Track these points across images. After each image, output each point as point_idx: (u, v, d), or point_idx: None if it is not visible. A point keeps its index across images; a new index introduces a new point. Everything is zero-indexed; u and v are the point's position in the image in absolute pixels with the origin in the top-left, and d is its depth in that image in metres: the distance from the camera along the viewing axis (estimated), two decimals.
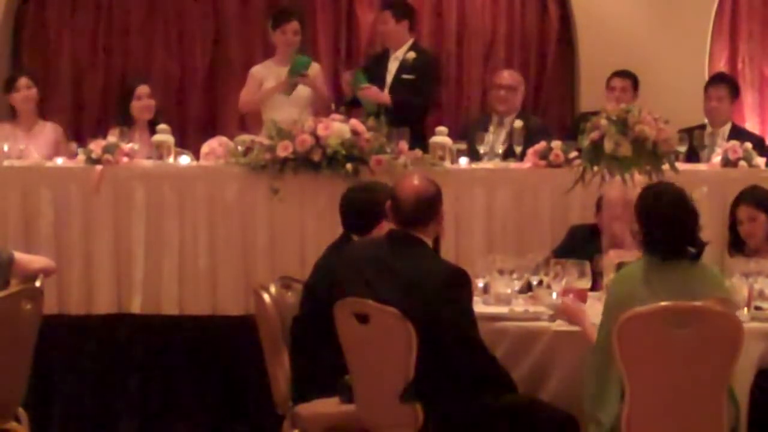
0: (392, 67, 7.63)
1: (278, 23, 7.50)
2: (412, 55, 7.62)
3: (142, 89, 7.24)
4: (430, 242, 4.68)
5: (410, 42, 7.70)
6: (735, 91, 7.66)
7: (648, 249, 4.46)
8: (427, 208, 4.64)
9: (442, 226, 4.77)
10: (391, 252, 4.62)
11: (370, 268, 4.61)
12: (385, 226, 4.92)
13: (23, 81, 7.28)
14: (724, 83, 7.61)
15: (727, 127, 7.45)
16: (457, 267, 4.65)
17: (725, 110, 7.51)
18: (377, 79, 7.60)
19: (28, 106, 7.26)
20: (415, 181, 4.71)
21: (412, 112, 7.37)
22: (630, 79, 7.72)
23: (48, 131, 7.27)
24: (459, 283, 4.52)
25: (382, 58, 7.75)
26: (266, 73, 7.49)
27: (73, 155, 6.82)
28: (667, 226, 4.42)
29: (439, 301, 4.45)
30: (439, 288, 4.47)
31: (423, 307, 4.43)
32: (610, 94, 7.64)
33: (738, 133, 7.29)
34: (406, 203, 4.63)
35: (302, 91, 7.43)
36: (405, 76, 7.54)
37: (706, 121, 7.50)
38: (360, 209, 5.16)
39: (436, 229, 4.72)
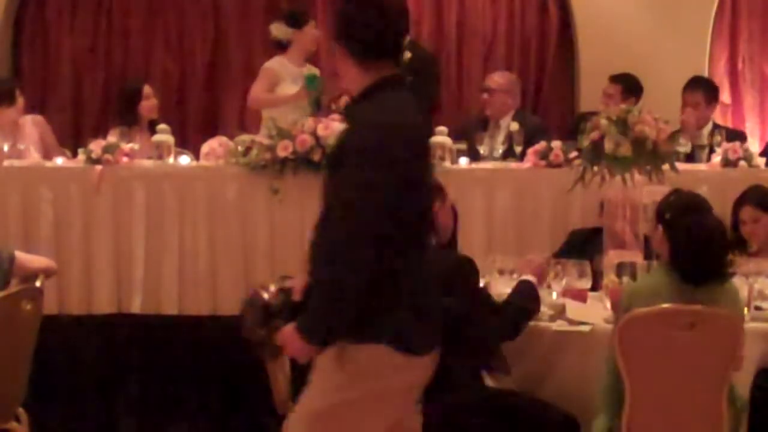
0: None
1: (307, 20, 7.42)
2: (407, 55, 7.60)
3: (148, 89, 7.28)
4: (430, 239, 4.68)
5: (404, 42, 7.67)
6: (713, 95, 7.61)
7: (674, 268, 4.35)
8: None
9: (453, 222, 4.80)
10: None
11: None
12: None
13: (17, 92, 7.24)
14: (700, 88, 7.57)
15: (708, 128, 7.42)
16: (463, 255, 4.69)
17: (701, 114, 7.46)
18: None
19: (20, 116, 7.21)
20: None
21: None
22: (620, 84, 7.71)
23: (30, 129, 7.20)
24: (466, 272, 4.55)
25: None
26: (283, 73, 7.42)
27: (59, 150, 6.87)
28: (701, 257, 4.32)
29: (449, 291, 4.46)
30: (447, 278, 4.48)
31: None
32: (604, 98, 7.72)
33: (718, 131, 7.24)
34: None
35: None
36: None
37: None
38: None
39: (436, 225, 4.72)
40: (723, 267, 4.30)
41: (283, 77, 7.37)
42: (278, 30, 7.45)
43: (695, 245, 4.28)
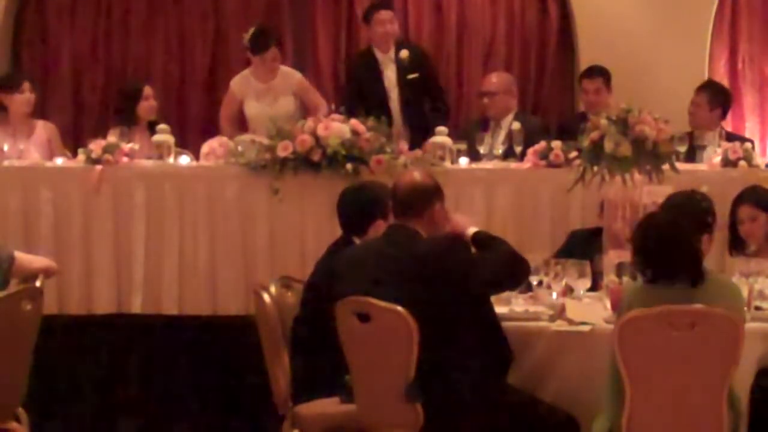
0: (388, 69, 7.62)
1: (258, 50, 7.40)
2: (405, 53, 7.62)
3: (148, 90, 7.31)
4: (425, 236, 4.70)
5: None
6: (717, 100, 7.63)
7: (638, 272, 4.43)
8: (420, 197, 4.70)
9: (443, 224, 4.81)
10: (389, 243, 4.66)
11: (371, 261, 4.65)
12: (381, 225, 4.96)
13: (27, 85, 7.29)
14: (705, 91, 7.62)
15: (715, 133, 7.44)
16: (451, 234, 4.71)
17: (702, 117, 7.52)
18: (371, 81, 7.58)
19: (27, 109, 7.26)
20: (414, 173, 4.85)
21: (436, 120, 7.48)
22: (601, 77, 7.76)
23: (40, 130, 7.27)
24: (459, 248, 4.62)
25: (370, 59, 7.70)
26: (245, 91, 7.48)
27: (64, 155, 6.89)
28: (648, 256, 4.37)
29: (446, 268, 4.49)
30: (441, 257, 4.51)
31: (430, 282, 4.47)
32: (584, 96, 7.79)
33: (729, 139, 7.27)
34: (401, 191, 4.73)
35: (285, 105, 7.43)
36: (410, 77, 7.56)
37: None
38: (353, 209, 5.20)
39: (433, 225, 4.73)
40: (673, 267, 4.31)
41: (246, 94, 7.48)
42: (246, 41, 7.46)
43: (642, 243, 4.36)
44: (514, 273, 4.74)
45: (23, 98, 7.22)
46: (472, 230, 4.86)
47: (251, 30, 7.52)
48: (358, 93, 7.60)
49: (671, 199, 5.02)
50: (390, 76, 7.62)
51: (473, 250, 4.75)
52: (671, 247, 4.33)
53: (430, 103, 7.64)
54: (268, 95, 7.45)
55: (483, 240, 4.81)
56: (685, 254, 4.33)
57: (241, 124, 7.65)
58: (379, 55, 7.65)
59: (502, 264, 4.68)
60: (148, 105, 7.30)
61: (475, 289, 4.58)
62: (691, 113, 7.53)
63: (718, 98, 7.64)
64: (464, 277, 4.54)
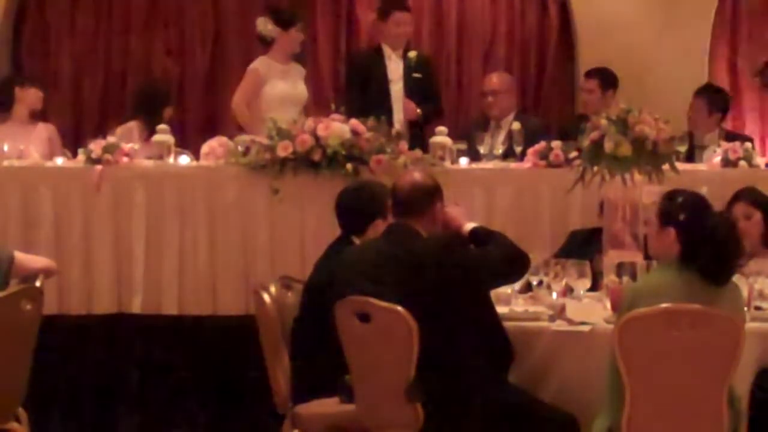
0: (395, 66, 7.64)
1: (293, 22, 7.46)
2: (414, 53, 7.67)
3: None
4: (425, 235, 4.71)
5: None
6: (716, 104, 7.64)
7: (691, 269, 4.32)
8: (422, 196, 4.71)
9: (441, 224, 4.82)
10: (389, 243, 4.67)
11: (370, 261, 4.65)
12: (380, 225, 4.97)
13: (38, 85, 7.39)
14: (703, 95, 7.64)
15: (715, 134, 7.45)
16: (450, 233, 4.71)
17: (702, 121, 7.54)
18: (375, 78, 7.60)
19: (39, 105, 7.35)
20: (415, 173, 4.89)
21: (432, 119, 7.49)
22: (597, 78, 7.76)
23: (40, 130, 7.32)
24: (458, 245, 4.65)
25: (376, 56, 7.72)
26: (268, 73, 7.47)
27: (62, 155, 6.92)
28: (726, 256, 4.33)
29: (445, 267, 4.49)
30: (441, 256, 4.51)
31: (430, 281, 4.47)
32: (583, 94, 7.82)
33: (728, 137, 7.28)
34: (402, 191, 4.74)
35: (303, 89, 7.47)
36: (415, 75, 7.60)
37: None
38: (352, 209, 5.21)
39: (433, 224, 4.74)
40: (737, 266, 4.39)
41: (270, 76, 7.44)
42: (264, 26, 7.48)
43: (721, 245, 4.31)
44: (514, 267, 4.75)
45: (38, 94, 7.32)
46: (470, 226, 4.87)
47: (272, 12, 7.55)
48: (360, 84, 7.60)
49: (700, 201, 4.85)
50: (395, 69, 7.65)
51: (472, 246, 4.76)
52: (741, 250, 4.39)
53: (425, 106, 7.64)
54: (290, 76, 7.47)
55: (482, 235, 4.82)
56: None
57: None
58: (387, 50, 7.69)
59: (502, 259, 4.69)
60: (170, 111, 7.44)
61: (476, 285, 4.58)
62: (690, 117, 7.54)
63: (716, 102, 7.65)
64: (464, 274, 4.54)
